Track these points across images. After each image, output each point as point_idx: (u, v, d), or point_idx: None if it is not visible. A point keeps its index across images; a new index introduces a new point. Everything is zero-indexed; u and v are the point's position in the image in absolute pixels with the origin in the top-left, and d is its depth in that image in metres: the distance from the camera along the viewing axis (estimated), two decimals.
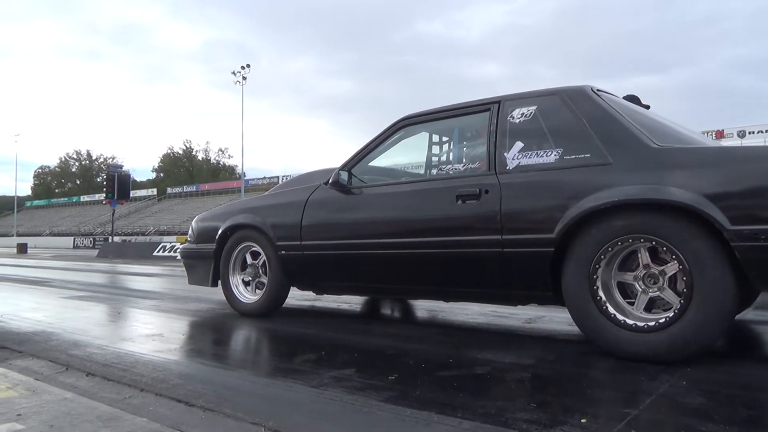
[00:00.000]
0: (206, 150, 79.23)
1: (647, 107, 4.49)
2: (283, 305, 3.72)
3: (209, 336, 3.27)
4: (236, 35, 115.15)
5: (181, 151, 78.46)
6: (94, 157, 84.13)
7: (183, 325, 3.57)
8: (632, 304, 2.33)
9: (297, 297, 4.72)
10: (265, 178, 55.63)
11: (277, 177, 52.24)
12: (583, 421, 1.59)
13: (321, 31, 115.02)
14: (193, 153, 78.22)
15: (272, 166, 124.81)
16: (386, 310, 4.14)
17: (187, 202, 58.07)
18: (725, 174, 2.14)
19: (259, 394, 1.95)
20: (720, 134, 32.45)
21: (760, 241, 2.00)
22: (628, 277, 2.34)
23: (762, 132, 31.03)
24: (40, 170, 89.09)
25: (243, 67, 38.03)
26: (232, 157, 78.06)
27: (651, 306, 2.32)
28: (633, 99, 5.97)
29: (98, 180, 68.63)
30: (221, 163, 77.84)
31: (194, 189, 61.92)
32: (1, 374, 2.24)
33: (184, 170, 76.10)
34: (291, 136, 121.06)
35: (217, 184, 61.86)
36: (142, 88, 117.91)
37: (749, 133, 31.20)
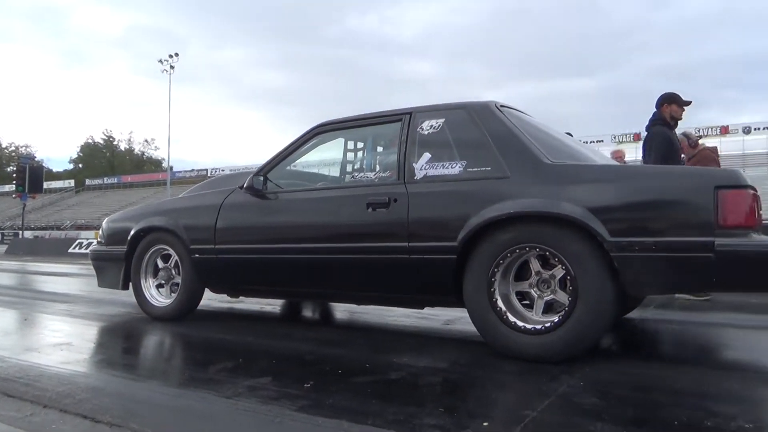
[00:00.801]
0: (129, 140, 75.74)
1: None
2: (206, 308, 3.66)
3: (122, 344, 3.17)
4: (164, 21, 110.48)
5: (102, 141, 74.58)
6: (4, 146, 78.45)
7: (95, 333, 3.44)
8: (532, 308, 2.50)
9: (219, 299, 4.63)
10: (193, 170, 53.92)
11: (207, 170, 50.78)
12: (485, 425, 1.68)
13: (252, 20, 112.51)
14: (115, 143, 74.55)
15: (202, 158, 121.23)
16: (310, 312, 4.16)
17: (107, 194, 55.34)
18: (607, 190, 2.36)
19: (171, 407, 1.93)
20: (637, 137, 34.47)
21: (634, 252, 2.23)
22: (524, 285, 2.52)
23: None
24: None
25: (171, 56, 36.62)
26: (158, 148, 74.98)
27: (550, 309, 2.49)
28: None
29: (8, 170, 64.07)
30: (146, 154, 74.69)
31: (116, 181, 59.05)
32: None
33: (104, 161, 72.35)
34: (223, 127, 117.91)
35: (141, 176, 59.25)
36: (59, 73, 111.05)
37: None
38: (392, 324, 3.56)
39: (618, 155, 7.11)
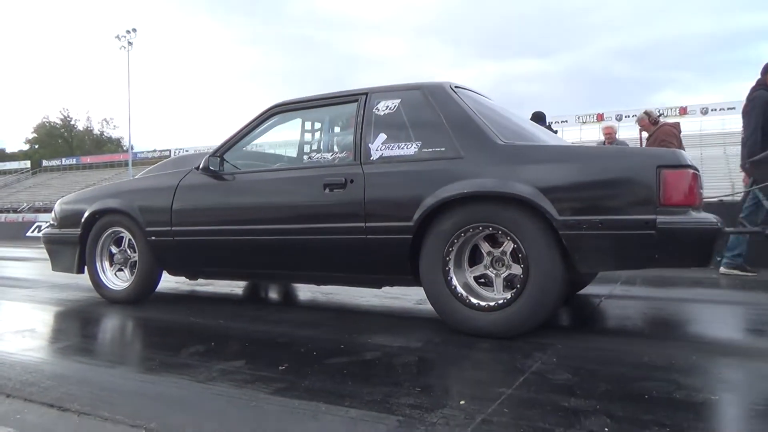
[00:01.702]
0: (88, 120, 73.31)
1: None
2: (174, 291, 3.59)
3: (88, 329, 3.07)
4: None
5: (59, 121, 71.89)
6: None
7: (59, 318, 3.33)
8: (488, 285, 2.58)
9: (189, 282, 4.55)
10: (156, 151, 52.52)
11: (169, 150, 49.55)
12: (461, 402, 1.69)
13: None
14: (72, 123, 71.98)
15: (164, 138, 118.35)
16: (281, 294, 4.12)
17: (66, 175, 53.58)
18: (556, 170, 2.42)
19: (141, 393, 1.88)
20: (600, 117, 35.12)
21: (581, 230, 2.30)
22: (480, 269, 2.58)
23: (636, 116, 33.88)
24: None
25: (128, 31, 35.43)
26: (117, 127, 72.79)
27: (511, 284, 2.53)
28: (539, 116, 6.27)
29: None
30: (105, 134, 72.42)
31: (75, 162, 57.18)
32: None
33: (62, 141, 69.89)
34: (185, 107, 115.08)
35: (101, 156, 57.50)
36: (10, 50, 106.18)
37: (626, 117, 33.91)
38: (364, 305, 3.55)
39: (608, 131, 7.17)
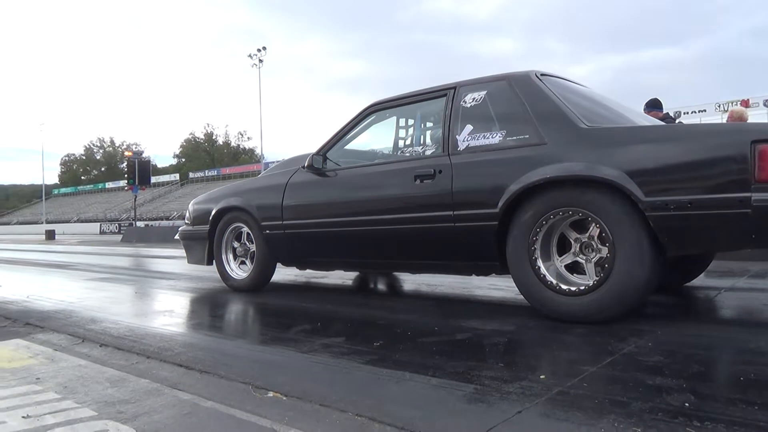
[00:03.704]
0: (226, 134, 79.96)
1: None
2: (292, 281, 3.90)
3: (216, 311, 3.47)
4: (251, 20, 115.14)
5: (202, 136, 79.21)
6: (117, 144, 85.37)
7: (193, 302, 3.79)
8: (575, 271, 2.55)
9: (306, 274, 4.91)
10: (283, 159, 55.85)
11: None
12: (541, 377, 1.73)
13: (328, 13, 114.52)
14: (214, 137, 78.91)
15: (290, 146, 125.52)
16: (387, 286, 4.31)
17: (208, 186, 58.71)
18: (641, 152, 2.34)
19: (253, 359, 2.14)
20: (745, 103, 31.63)
21: (669, 211, 2.21)
22: (570, 256, 2.54)
23: None
24: (66, 158, 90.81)
25: (259, 50, 38.19)
26: (250, 139, 78.77)
27: (602, 268, 2.46)
28: (654, 104, 5.94)
29: (121, 167, 69.75)
30: (240, 146, 78.49)
31: (215, 173, 62.66)
32: (24, 346, 2.47)
33: (205, 154, 76.87)
34: (309, 116, 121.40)
35: (237, 167, 62.44)
36: (161, 76, 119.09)
37: None
38: (465, 295, 3.63)
39: (731, 114, 6.52)
